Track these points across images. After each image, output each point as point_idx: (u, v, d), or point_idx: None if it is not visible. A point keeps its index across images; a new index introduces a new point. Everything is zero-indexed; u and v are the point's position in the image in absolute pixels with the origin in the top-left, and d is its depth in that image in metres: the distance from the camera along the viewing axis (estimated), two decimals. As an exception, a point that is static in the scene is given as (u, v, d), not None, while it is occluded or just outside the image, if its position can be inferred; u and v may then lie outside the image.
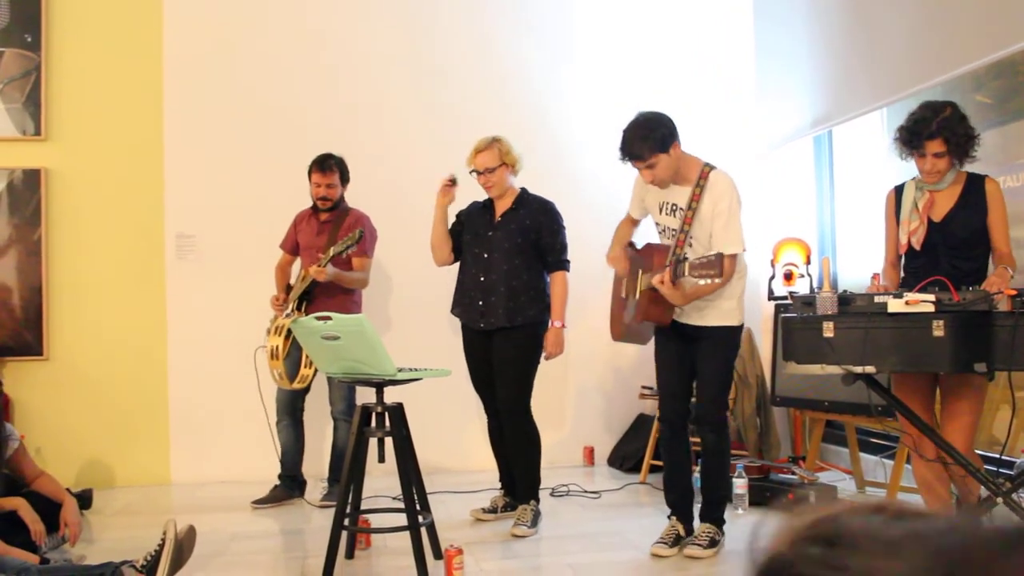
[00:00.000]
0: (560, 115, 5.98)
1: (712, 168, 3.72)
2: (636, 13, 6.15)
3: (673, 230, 3.75)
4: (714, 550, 3.74)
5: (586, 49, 6.08)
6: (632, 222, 4.06)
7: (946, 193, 3.39)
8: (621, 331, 4.07)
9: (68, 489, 3.91)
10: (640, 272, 3.84)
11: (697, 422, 3.91)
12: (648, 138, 3.59)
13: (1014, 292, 2.91)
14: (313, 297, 4.76)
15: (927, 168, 3.33)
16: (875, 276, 3.66)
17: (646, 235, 4.06)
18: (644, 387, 5.69)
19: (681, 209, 3.72)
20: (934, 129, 3.26)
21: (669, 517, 3.91)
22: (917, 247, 3.40)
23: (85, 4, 5.46)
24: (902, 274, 3.56)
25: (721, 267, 3.36)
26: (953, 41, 4.41)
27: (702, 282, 3.42)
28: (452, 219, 4.51)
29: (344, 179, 4.94)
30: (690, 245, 3.71)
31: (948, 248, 3.34)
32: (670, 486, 3.95)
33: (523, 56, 5.97)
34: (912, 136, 3.33)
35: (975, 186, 3.36)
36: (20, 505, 3.56)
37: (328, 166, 4.86)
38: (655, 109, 3.75)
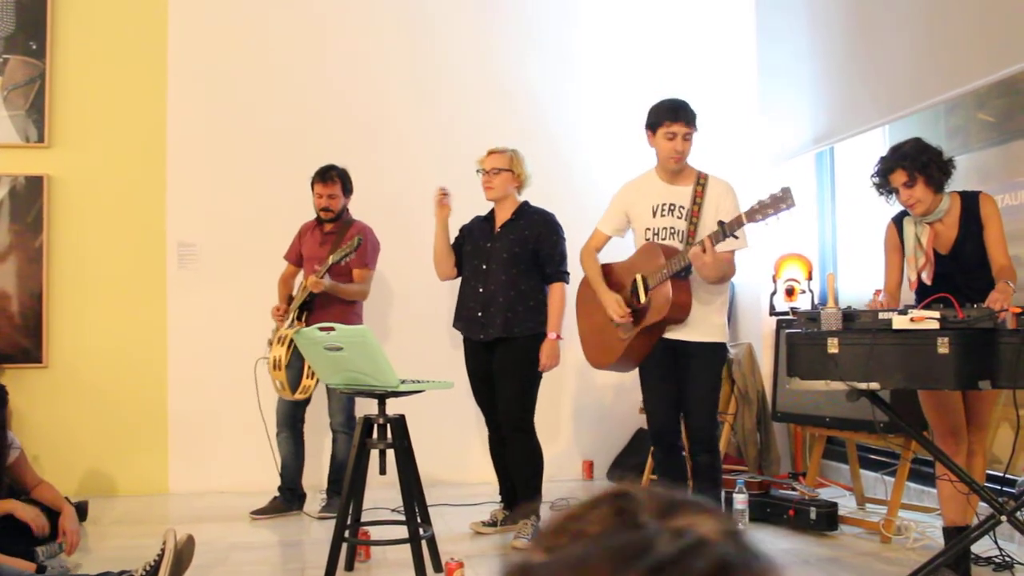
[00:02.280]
0: (562, 129, 5.99)
1: (707, 174, 3.80)
2: (638, 30, 6.17)
3: (670, 229, 3.73)
4: None
5: (589, 64, 6.09)
6: (598, 248, 3.97)
7: (946, 223, 3.44)
8: (611, 356, 3.84)
9: (66, 498, 3.89)
10: (639, 277, 3.71)
11: (690, 443, 3.83)
12: (694, 116, 3.78)
13: (1019, 310, 2.91)
14: (313, 308, 4.75)
15: (904, 201, 3.45)
16: (877, 292, 3.68)
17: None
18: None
19: (682, 207, 3.73)
20: (892, 163, 3.41)
21: None
22: (929, 282, 3.43)
23: (90, 12, 5.47)
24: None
25: (793, 199, 3.37)
26: (955, 60, 4.43)
27: (769, 219, 3.40)
28: (454, 233, 4.52)
29: (347, 190, 4.94)
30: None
31: (963, 275, 3.38)
32: None
33: (526, 71, 5.99)
34: (879, 177, 3.49)
35: (971, 207, 3.41)
36: (14, 507, 3.51)
37: (330, 176, 4.86)
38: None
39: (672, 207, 3.75)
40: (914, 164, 3.34)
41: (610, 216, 3.96)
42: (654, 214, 3.78)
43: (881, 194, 3.54)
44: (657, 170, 3.86)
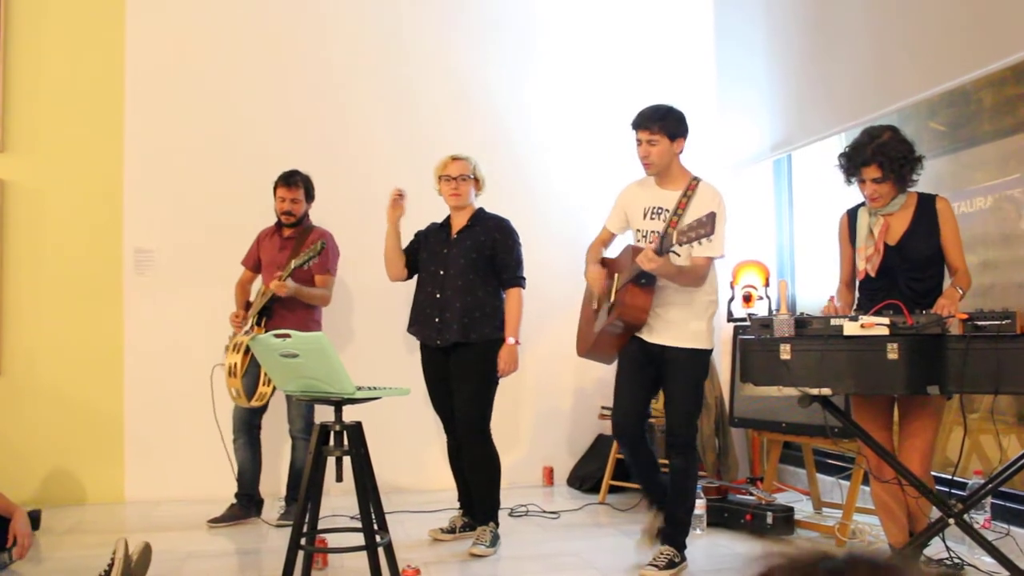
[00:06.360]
0: (522, 134, 6.01)
1: (700, 180, 3.81)
2: (598, 36, 6.21)
3: (655, 231, 3.75)
4: (671, 572, 3.73)
5: (549, 69, 6.12)
6: (604, 242, 4.08)
7: (899, 216, 3.43)
8: (587, 346, 4.08)
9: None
10: (616, 276, 3.87)
11: (665, 446, 3.89)
12: (664, 119, 3.76)
13: (965, 316, 2.96)
14: (272, 313, 4.72)
15: (868, 194, 3.40)
16: (832, 298, 3.71)
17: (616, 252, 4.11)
18: (604, 407, 5.70)
19: (667, 212, 3.77)
20: (868, 155, 3.32)
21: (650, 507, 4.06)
22: (873, 274, 3.44)
23: (45, 14, 5.40)
24: (857, 295, 3.61)
25: (712, 226, 3.28)
26: (908, 70, 4.51)
27: (696, 244, 3.36)
28: (405, 236, 4.50)
29: (309, 196, 4.93)
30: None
31: (905, 270, 3.39)
32: (646, 487, 4.10)
33: (486, 76, 6.00)
34: (849, 163, 3.40)
35: (927, 207, 3.42)
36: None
37: (294, 181, 4.85)
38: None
39: (660, 211, 3.81)
40: (892, 164, 3.28)
41: (613, 215, 4.06)
42: (644, 216, 3.87)
43: (848, 180, 3.45)
44: None
